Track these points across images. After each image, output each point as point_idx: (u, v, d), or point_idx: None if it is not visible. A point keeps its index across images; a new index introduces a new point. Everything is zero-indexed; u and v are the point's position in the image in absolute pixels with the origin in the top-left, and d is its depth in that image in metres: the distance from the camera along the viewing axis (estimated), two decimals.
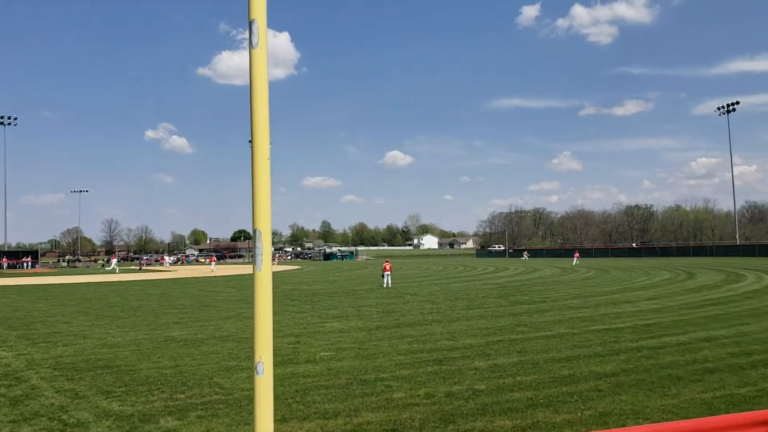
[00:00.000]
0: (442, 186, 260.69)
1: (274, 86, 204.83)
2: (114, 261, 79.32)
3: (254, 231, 2.55)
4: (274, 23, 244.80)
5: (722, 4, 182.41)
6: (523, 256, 79.39)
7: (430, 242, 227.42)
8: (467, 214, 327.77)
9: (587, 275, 42.21)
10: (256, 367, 2.53)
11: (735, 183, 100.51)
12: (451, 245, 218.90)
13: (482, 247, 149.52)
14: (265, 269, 2.57)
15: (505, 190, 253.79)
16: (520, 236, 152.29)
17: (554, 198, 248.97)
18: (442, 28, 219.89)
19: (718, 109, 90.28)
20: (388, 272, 35.04)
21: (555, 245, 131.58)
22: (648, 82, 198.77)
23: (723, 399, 8.81)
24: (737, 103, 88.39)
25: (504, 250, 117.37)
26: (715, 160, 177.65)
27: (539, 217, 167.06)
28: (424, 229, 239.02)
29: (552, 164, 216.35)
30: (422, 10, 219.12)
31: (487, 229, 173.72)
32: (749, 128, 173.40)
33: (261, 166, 2.52)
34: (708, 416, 3.56)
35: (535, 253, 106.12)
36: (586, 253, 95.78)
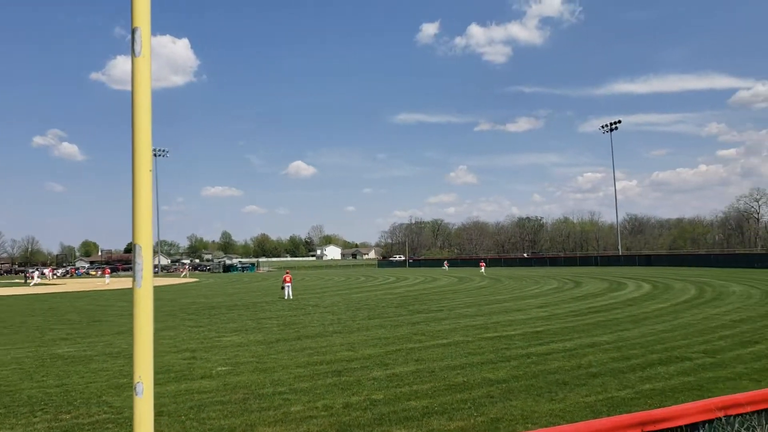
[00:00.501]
0: (346, 197, 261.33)
1: (172, 94, 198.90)
2: None
3: (134, 246, 2.46)
4: (173, 30, 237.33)
5: (606, 29, 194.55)
6: (443, 266, 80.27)
7: (333, 253, 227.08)
8: (369, 225, 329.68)
9: (482, 284, 43.55)
10: (135, 388, 2.44)
11: (617, 197, 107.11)
12: (354, 256, 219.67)
13: (384, 257, 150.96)
14: (145, 286, 2.48)
15: (406, 201, 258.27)
16: (419, 247, 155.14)
17: (452, 210, 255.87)
18: (345, 40, 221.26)
19: (602, 127, 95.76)
20: (289, 284, 34.68)
21: (452, 255, 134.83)
22: (539, 100, 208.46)
23: (604, 402, 9.34)
24: (619, 122, 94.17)
25: (404, 261, 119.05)
26: (600, 175, 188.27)
27: (438, 228, 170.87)
28: (327, 240, 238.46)
29: (450, 177, 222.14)
30: (325, 22, 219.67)
31: (389, 240, 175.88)
32: (630, 146, 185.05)
33: (142, 178, 2.44)
34: (590, 420, 3.78)
35: (433, 263, 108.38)
36: (472, 263, 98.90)
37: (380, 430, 8.02)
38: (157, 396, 10.52)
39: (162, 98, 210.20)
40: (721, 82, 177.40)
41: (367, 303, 29.29)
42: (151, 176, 2.47)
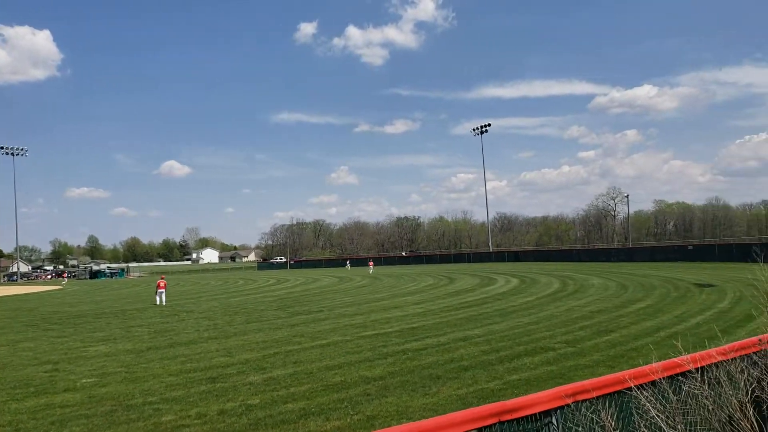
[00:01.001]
0: (224, 198, 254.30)
1: (32, 88, 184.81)
2: None
3: None
4: (32, 20, 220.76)
5: (478, 35, 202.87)
6: (368, 266, 79.03)
7: (210, 256, 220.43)
8: (249, 227, 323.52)
9: (362, 283, 44.06)
10: None
11: (488, 196, 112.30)
12: (233, 259, 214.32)
13: (264, 259, 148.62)
14: None
15: (287, 202, 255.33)
16: (301, 248, 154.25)
17: (333, 210, 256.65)
18: (223, 38, 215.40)
19: (473, 130, 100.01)
20: (163, 289, 33.28)
21: (334, 255, 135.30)
22: (415, 103, 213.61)
23: (475, 394, 9.80)
24: (489, 125, 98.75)
25: (286, 262, 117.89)
26: (472, 175, 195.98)
27: (319, 228, 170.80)
28: (204, 243, 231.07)
29: (331, 178, 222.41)
30: (202, 18, 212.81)
31: (270, 242, 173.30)
32: (499, 148, 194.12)
33: None
34: (451, 413, 3.96)
35: (315, 264, 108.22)
36: (362, 262, 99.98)
37: None
38: (15, 412, 9.80)
39: (19, 93, 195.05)
40: (581, 88, 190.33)
41: (245, 307, 28.77)
42: None
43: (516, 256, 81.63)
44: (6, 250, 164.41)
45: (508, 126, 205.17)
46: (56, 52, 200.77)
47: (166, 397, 10.40)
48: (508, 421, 3.77)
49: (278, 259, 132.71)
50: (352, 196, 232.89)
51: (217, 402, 9.82)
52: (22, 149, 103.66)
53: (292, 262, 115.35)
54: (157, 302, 32.49)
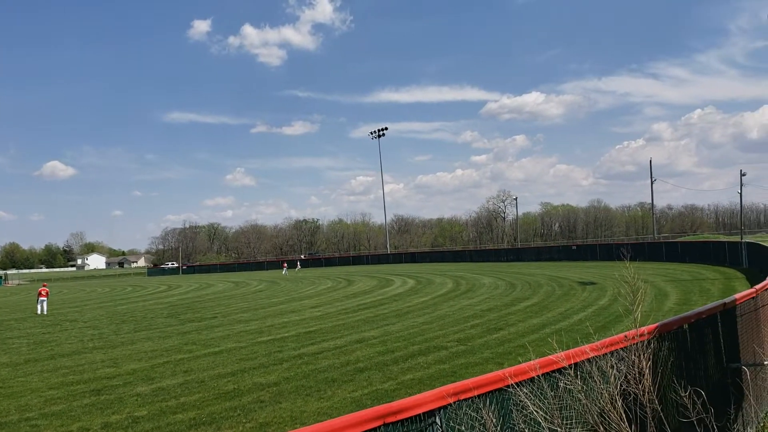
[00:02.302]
0: (111, 201, 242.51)
1: None
2: None
3: None
4: None
5: (375, 39, 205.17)
6: (296, 267, 75.96)
7: (96, 262, 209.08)
8: (139, 231, 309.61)
9: (259, 288, 43.36)
10: None
11: (386, 199, 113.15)
12: (121, 264, 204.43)
13: (155, 265, 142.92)
14: None
15: (179, 205, 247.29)
16: (195, 252, 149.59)
17: (229, 213, 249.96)
18: (109, 33, 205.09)
19: (371, 133, 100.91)
20: (44, 297, 31.29)
21: (230, 260, 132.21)
22: (313, 105, 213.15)
23: (370, 395, 9.92)
24: (386, 128, 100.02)
25: (178, 267, 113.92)
26: (371, 178, 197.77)
27: (214, 232, 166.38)
28: (90, 248, 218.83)
29: (227, 180, 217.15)
30: (91, 12, 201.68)
31: (161, 246, 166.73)
32: (396, 151, 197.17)
33: None
34: (335, 417, 4.00)
35: (209, 269, 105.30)
36: (258, 266, 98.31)
37: None
38: None
39: None
40: (473, 94, 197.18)
41: (133, 315, 27.57)
42: None
43: (413, 258, 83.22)
44: None
45: (404, 130, 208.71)
46: None
47: (45, 412, 9.82)
48: (392, 423, 3.85)
49: (170, 265, 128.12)
50: (249, 198, 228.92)
51: (102, 415, 9.39)
52: None
53: (184, 268, 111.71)
54: (39, 311, 30.51)
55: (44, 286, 33.08)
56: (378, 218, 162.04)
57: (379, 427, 3.74)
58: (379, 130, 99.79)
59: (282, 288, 41.41)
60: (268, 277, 59.95)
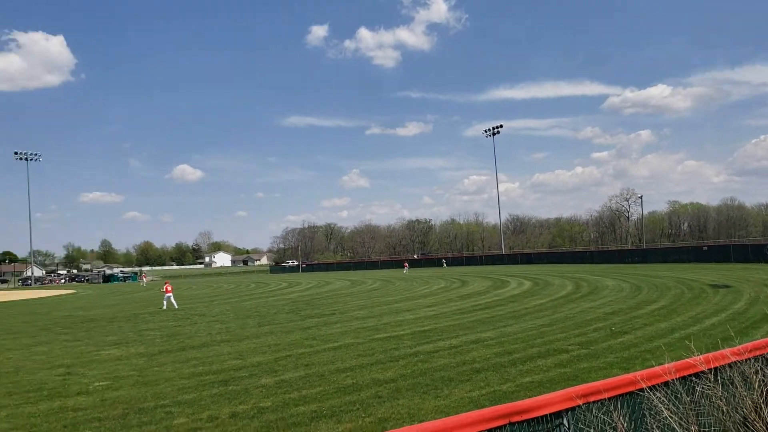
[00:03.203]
0: (236, 202, 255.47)
1: (46, 94, 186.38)
2: None
3: None
4: (46, 25, 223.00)
5: (489, 36, 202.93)
6: (404, 268, 76.98)
7: (222, 260, 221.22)
8: (261, 231, 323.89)
9: (374, 286, 44.01)
10: None
11: (500, 198, 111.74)
12: (245, 262, 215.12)
13: (276, 263, 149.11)
14: None
15: (299, 206, 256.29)
16: (313, 251, 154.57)
17: (345, 213, 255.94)
18: (234, 41, 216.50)
19: (485, 131, 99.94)
20: (170, 294, 33.53)
21: (345, 259, 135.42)
22: (426, 105, 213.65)
23: (487, 396, 9.74)
24: (501, 126, 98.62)
25: (298, 266, 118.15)
26: (484, 177, 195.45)
27: (331, 232, 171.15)
28: (217, 247, 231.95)
29: (343, 181, 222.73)
30: (213, 23, 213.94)
31: (281, 245, 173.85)
32: (511, 149, 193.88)
33: None
34: (461, 414, 3.92)
35: (326, 267, 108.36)
36: (373, 265, 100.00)
37: None
38: (28, 416, 9.86)
39: (34, 99, 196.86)
40: (592, 89, 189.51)
41: (257, 310, 28.82)
42: None
43: (529, 259, 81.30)
44: (20, 255, 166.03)
45: (519, 127, 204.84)
46: (70, 57, 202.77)
47: (178, 400, 10.42)
48: (518, 422, 3.73)
49: (290, 263, 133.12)
50: (363, 199, 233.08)
51: (229, 405, 9.82)
52: (35, 154, 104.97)
53: (303, 266, 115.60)
54: (164, 307, 32.60)
55: (167, 282, 35.36)
56: (492, 218, 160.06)
57: (505, 425, 3.63)
58: (493, 128, 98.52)
59: (396, 287, 41.79)
60: (383, 276, 60.75)
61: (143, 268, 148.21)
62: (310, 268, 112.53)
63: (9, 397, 11.31)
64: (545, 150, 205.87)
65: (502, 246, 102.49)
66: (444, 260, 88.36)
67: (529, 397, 9.29)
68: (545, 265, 67.10)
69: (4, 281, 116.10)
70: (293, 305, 30.57)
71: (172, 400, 10.40)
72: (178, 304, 33.06)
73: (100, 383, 12.33)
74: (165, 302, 32.97)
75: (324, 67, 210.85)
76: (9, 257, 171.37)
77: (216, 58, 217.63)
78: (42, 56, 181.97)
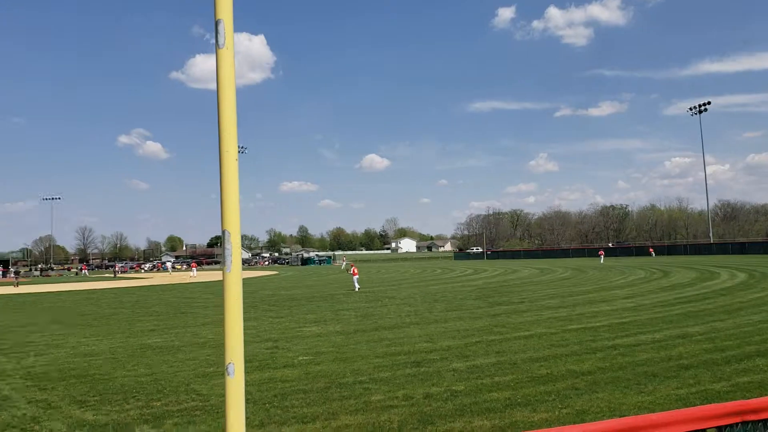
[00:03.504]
0: (420, 189, 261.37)
1: (250, 90, 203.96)
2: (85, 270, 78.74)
3: (223, 232, 2.53)
4: (249, 26, 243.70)
5: (692, 7, 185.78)
6: (599, 257, 69.83)
7: (408, 246, 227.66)
8: (445, 217, 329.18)
9: (564, 275, 42.55)
10: (227, 369, 2.52)
11: (708, 182, 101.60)
12: (429, 248, 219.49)
13: (460, 249, 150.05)
14: (234, 270, 2.54)
15: (483, 192, 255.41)
16: (498, 238, 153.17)
17: (531, 199, 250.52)
18: (418, 31, 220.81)
19: (690, 109, 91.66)
20: (356, 275, 35.43)
21: (533, 246, 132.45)
22: (621, 83, 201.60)
23: (698, 395, 8.94)
24: (708, 103, 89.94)
25: (482, 252, 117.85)
26: (689, 159, 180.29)
27: (517, 218, 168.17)
28: (402, 233, 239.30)
29: (529, 166, 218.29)
30: (397, 13, 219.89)
31: (465, 232, 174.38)
32: (720, 128, 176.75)
33: (229, 167, 2.50)
34: (683, 408, 3.59)
35: (512, 255, 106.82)
36: (563, 253, 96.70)
37: (462, 420, 7.97)
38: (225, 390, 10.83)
39: (240, 96, 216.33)
40: None
41: (444, 295, 29.20)
42: (237, 165, 2.53)
43: (741, 248, 73.56)
44: None
45: (729, 104, 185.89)
46: (270, 55, 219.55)
47: (374, 377, 10.85)
48: (752, 421, 3.33)
49: (474, 249, 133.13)
50: (552, 184, 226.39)
51: (423, 386, 10.02)
52: (242, 147, 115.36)
53: (488, 253, 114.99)
54: (356, 288, 34.24)
55: (352, 265, 37.17)
56: (697, 204, 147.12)
57: (737, 423, 3.27)
58: (699, 106, 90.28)
59: (589, 277, 40.01)
60: (574, 265, 58.54)
61: (336, 253, 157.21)
62: (495, 255, 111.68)
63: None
64: (761, 128, 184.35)
65: (710, 234, 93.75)
66: (651, 249, 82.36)
67: (747, 398, 8.37)
68: (762, 256, 60.13)
69: (217, 262, 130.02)
70: (480, 292, 30.53)
71: (369, 377, 10.85)
72: (363, 287, 34.55)
73: (304, 357, 13.22)
74: (356, 284, 34.67)
75: (510, 49, 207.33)
76: (220, 241, 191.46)
77: (401, 49, 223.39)
78: (246, 55, 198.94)
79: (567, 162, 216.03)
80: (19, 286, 57.65)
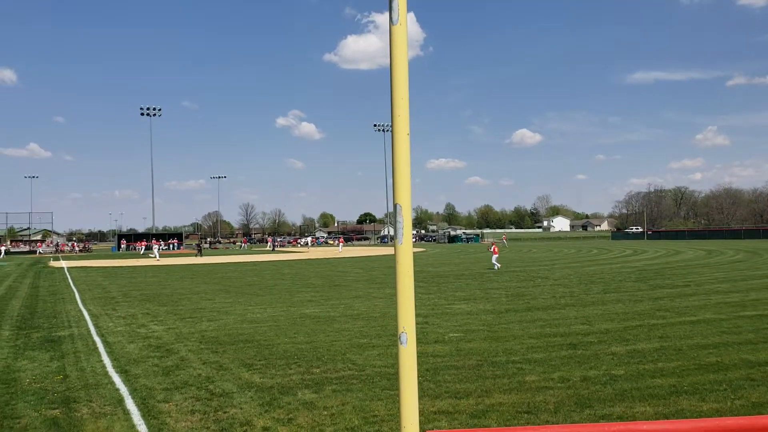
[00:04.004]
0: (575, 165, 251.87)
1: None
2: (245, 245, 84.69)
3: (395, 206, 2.61)
4: None
5: None
6: None
7: (561, 224, 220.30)
8: (602, 195, 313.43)
9: (736, 258, 39.15)
10: (400, 338, 2.62)
11: None
12: (584, 227, 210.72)
13: (618, 229, 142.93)
14: (406, 242, 2.62)
15: (643, 168, 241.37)
16: (659, 217, 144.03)
17: (698, 176, 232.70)
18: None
19: None
20: (496, 254, 35.02)
21: (698, 226, 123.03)
22: None
23: None
24: None
25: (642, 232, 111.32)
26: None
27: (681, 196, 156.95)
28: (555, 211, 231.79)
29: (696, 140, 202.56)
30: None
31: (624, 210, 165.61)
32: None
33: (401, 141, 2.57)
34: None
35: (675, 235, 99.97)
36: (733, 234, 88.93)
37: (622, 405, 7.65)
38: (394, 356, 11.13)
39: (388, 76, 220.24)
40: None
41: (601, 276, 28.02)
42: (408, 141, 2.59)
43: None
44: (377, 216, 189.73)
45: None
46: (420, 32, 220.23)
47: (527, 358, 10.69)
48: None
49: (634, 229, 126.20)
50: (722, 159, 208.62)
51: (580, 368, 9.73)
52: (387, 125, 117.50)
53: (649, 233, 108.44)
54: (495, 267, 33.78)
55: (493, 244, 36.69)
56: None
57: None
58: None
59: (765, 260, 36.52)
60: (747, 247, 53.69)
61: (484, 230, 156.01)
62: (657, 235, 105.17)
63: (379, 338, 12.94)
64: None
65: None
66: None
67: None
68: None
69: (366, 239, 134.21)
70: (640, 274, 28.95)
71: (522, 357, 10.71)
72: (513, 267, 34.00)
73: (454, 334, 13.31)
74: (495, 263, 34.25)
75: (676, 15, 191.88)
76: (369, 218, 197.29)
77: (552, 17, 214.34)
78: None
79: (740, 135, 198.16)
80: (203, 256, 63.83)
